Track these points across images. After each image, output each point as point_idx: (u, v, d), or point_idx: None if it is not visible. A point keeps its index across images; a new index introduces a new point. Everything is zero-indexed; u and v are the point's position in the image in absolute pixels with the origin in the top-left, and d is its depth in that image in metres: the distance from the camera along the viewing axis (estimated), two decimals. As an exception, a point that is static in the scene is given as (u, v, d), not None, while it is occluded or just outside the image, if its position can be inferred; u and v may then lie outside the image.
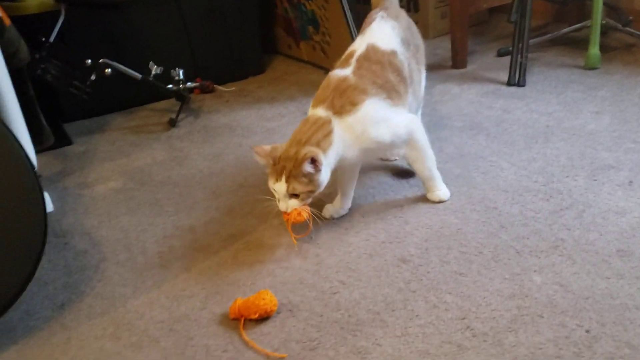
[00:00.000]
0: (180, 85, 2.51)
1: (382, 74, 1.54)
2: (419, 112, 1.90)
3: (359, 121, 1.47)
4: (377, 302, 1.29)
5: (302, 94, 2.63)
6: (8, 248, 1.23)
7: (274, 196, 1.46)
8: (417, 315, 1.23)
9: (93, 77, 2.28)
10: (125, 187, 1.93)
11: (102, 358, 1.22)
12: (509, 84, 2.42)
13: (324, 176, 1.43)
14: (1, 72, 1.57)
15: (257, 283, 1.40)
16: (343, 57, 1.63)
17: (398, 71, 1.59)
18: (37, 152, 1.82)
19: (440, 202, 1.64)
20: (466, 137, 2.00)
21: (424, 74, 1.83)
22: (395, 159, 1.89)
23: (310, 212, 1.45)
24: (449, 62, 2.75)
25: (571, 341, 1.11)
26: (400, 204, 1.65)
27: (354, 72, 1.53)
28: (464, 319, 1.20)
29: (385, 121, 1.51)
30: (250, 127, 2.34)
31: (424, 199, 1.66)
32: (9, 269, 1.24)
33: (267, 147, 1.46)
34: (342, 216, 1.63)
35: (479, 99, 2.32)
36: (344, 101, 1.48)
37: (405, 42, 1.67)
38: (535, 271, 1.32)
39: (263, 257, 1.49)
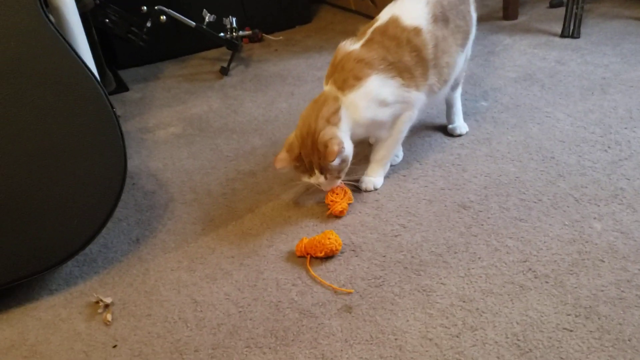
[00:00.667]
0: (233, 34, 2.53)
1: (397, 52, 1.46)
2: (457, 93, 1.76)
3: (362, 97, 1.43)
4: (439, 245, 1.33)
5: (352, 44, 2.63)
6: (92, 184, 1.30)
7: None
8: (479, 258, 1.28)
9: (149, 24, 2.32)
10: (185, 133, 1.99)
11: (180, 288, 1.30)
12: (563, 35, 2.38)
13: (349, 149, 1.44)
14: (73, 13, 1.62)
15: (319, 225, 1.46)
16: (364, 26, 1.56)
17: (417, 51, 1.48)
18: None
19: (366, 190, 1.56)
20: (520, 87, 2.00)
21: (462, 57, 1.65)
22: None
23: (350, 197, 1.51)
24: (500, 14, 2.72)
25: (634, 285, 1.15)
26: (458, 153, 1.67)
27: (364, 45, 1.47)
28: (525, 261, 1.25)
29: (386, 103, 1.46)
30: (300, 76, 2.36)
31: (480, 148, 1.68)
32: (93, 204, 1.31)
33: (285, 155, 1.43)
34: (399, 164, 1.67)
35: (532, 50, 2.30)
36: (347, 75, 1.43)
37: (439, 20, 1.52)
38: (595, 218, 1.35)
39: (323, 201, 1.54)
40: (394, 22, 1.49)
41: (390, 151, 1.58)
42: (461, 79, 1.75)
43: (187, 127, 2.04)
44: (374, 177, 1.58)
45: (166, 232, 1.50)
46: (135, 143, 1.96)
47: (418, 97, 1.52)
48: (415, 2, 1.53)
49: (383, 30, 1.48)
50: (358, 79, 1.43)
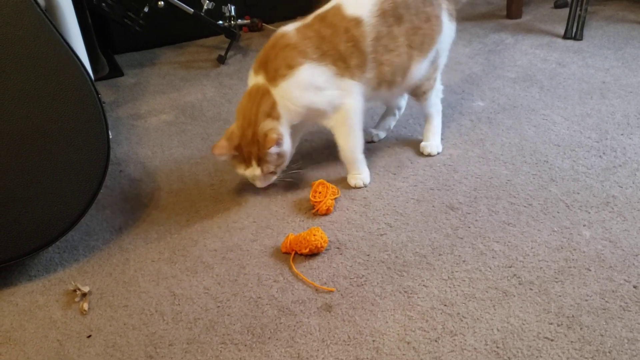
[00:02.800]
0: (231, 22, 2.50)
1: (332, 40, 1.41)
2: (431, 107, 1.65)
3: (295, 87, 1.40)
4: (424, 246, 1.31)
5: (351, 37, 2.60)
6: (73, 170, 1.28)
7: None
8: (464, 261, 1.26)
9: (146, 9, 2.29)
10: (177, 121, 1.97)
11: (159, 280, 1.28)
12: (566, 37, 2.35)
13: (287, 145, 1.45)
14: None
15: (306, 221, 1.44)
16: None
17: (355, 41, 1.42)
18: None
19: (356, 187, 1.54)
20: (519, 88, 1.97)
21: (423, 63, 1.54)
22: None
23: (334, 192, 1.49)
24: (503, 12, 2.68)
25: (618, 295, 1.13)
26: (450, 153, 1.65)
27: (299, 30, 1.43)
28: (510, 267, 1.22)
29: (321, 89, 1.43)
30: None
31: (473, 149, 1.66)
32: (74, 190, 1.29)
33: (224, 143, 1.42)
34: (390, 162, 1.64)
35: (534, 50, 2.27)
36: (280, 64, 1.40)
37: (389, 16, 1.45)
38: (584, 225, 1.32)
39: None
40: (336, 9, 1.45)
41: (352, 146, 1.52)
42: (429, 90, 1.62)
43: (180, 115, 2.02)
44: (357, 174, 1.54)
45: (150, 222, 1.48)
46: (125, 129, 1.93)
47: (354, 84, 1.47)
48: None
49: (323, 16, 1.45)
50: (290, 67, 1.40)
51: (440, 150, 1.66)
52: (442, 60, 1.64)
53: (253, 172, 1.44)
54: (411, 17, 1.48)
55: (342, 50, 1.42)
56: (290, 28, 1.45)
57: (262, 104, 1.41)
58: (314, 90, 1.43)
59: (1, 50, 1.19)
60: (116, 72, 2.37)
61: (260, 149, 1.40)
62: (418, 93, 1.61)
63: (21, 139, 1.22)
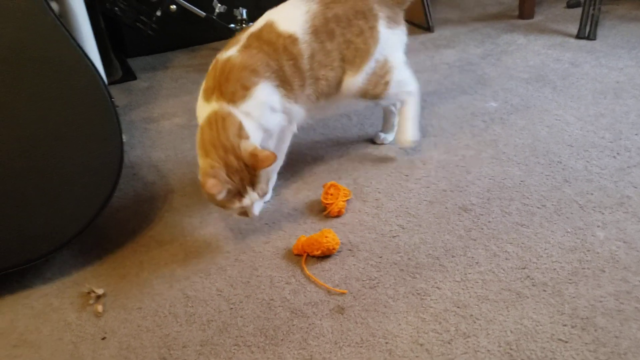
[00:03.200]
0: (243, 25, 2.51)
1: (276, 58, 1.37)
2: (394, 104, 1.67)
3: (255, 107, 1.35)
4: (436, 248, 1.31)
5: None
6: (87, 173, 1.29)
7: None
8: (477, 263, 1.25)
9: (158, 13, 2.31)
10: (190, 124, 1.98)
11: (173, 282, 1.29)
12: (579, 36, 2.33)
13: None
14: (78, 4, 1.61)
15: (317, 222, 1.44)
16: (240, 32, 1.45)
17: (294, 59, 1.39)
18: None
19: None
20: (532, 89, 1.96)
21: (356, 76, 1.50)
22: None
23: (346, 193, 1.49)
24: (515, 12, 2.67)
25: (633, 296, 1.11)
26: (462, 154, 1.64)
27: (241, 50, 1.36)
28: (524, 268, 1.22)
29: (275, 111, 1.40)
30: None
31: (486, 149, 1.65)
32: (88, 193, 1.30)
33: (214, 180, 1.24)
34: (402, 163, 1.64)
35: (546, 50, 2.25)
36: (235, 86, 1.33)
37: (321, 32, 1.43)
38: (598, 226, 1.31)
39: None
40: (269, 26, 1.40)
41: (276, 168, 1.54)
42: (381, 93, 1.57)
43: (192, 118, 2.02)
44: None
45: (163, 225, 1.48)
46: (139, 133, 1.95)
47: (298, 111, 1.46)
48: (293, 9, 1.44)
49: (258, 35, 1.39)
50: (246, 88, 1.34)
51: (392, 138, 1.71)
52: (395, 63, 1.57)
53: (251, 198, 1.31)
54: (343, 32, 1.46)
55: (286, 69, 1.39)
56: (229, 52, 1.37)
57: (229, 128, 1.30)
58: (270, 110, 1.39)
59: (15, 55, 1.20)
60: (129, 76, 2.38)
61: (251, 172, 1.30)
62: (368, 98, 1.58)
63: (35, 143, 1.23)
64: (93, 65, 1.27)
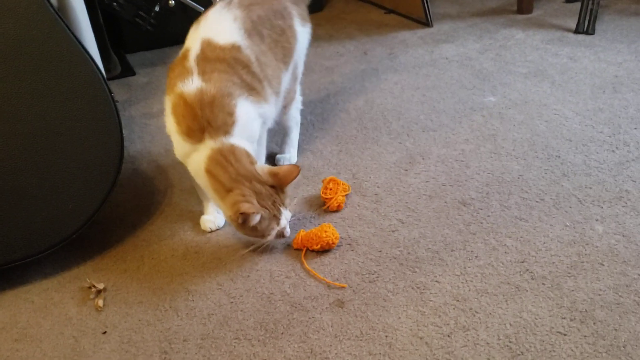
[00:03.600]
0: (241, 20, 2.51)
1: (233, 72, 1.35)
2: (290, 120, 1.67)
3: (243, 127, 1.33)
4: (436, 242, 1.31)
5: (361, 33, 2.60)
6: (88, 168, 1.30)
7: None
8: (476, 256, 1.25)
9: (157, 9, 2.31)
10: (189, 119, 1.98)
11: (173, 276, 1.29)
12: (577, 31, 2.34)
13: None
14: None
15: (317, 217, 1.44)
16: (177, 59, 1.40)
17: (247, 67, 1.38)
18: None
19: (209, 230, 1.43)
20: (530, 83, 1.96)
21: (287, 75, 1.55)
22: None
23: (345, 188, 1.49)
24: (514, 7, 2.67)
25: (632, 290, 1.12)
26: (462, 149, 1.64)
27: (205, 79, 1.31)
28: (523, 262, 1.22)
29: (255, 119, 1.39)
30: (308, 66, 2.32)
31: (485, 144, 1.65)
32: (88, 188, 1.30)
33: (249, 205, 1.23)
34: (401, 158, 1.64)
35: (545, 45, 2.25)
36: (223, 116, 1.30)
37: (254, 35, 1.43)
38: (597, 220, 1.32)
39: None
40: (208, 45, 1.36)
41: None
42: (291, 102, 1.63)
43: (191, 114, 2.03)
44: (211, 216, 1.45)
45: (163, 219, 1.49)
46: (138, 128, 1.95)
47: (271, 110, 1.47)
48: (220, 20, 1.41)
49: (203, 57, 1.34)
50: (231, 114, 1.31)
51: (294, 161, 1.68)
52: (300, 70, 1.64)
53: (285, 217, 1.31)
54: (270, 32, 1.47)
55: (246, 78, 1.37)
56: (193, 85, 1.30)
57: (241, 159, 1.28)
58: (252, 122, 1.38)
59: (15, 50, 1.20)
60: (128, 71, 2.38)
61: (279, 192, 1.29)
62: (284, 106, 1.60)
63: (35, 138, 1.24)
64: (93, 60, 1.27)
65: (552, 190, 1.43)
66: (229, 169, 1.27)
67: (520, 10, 2.63)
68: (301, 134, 1.79)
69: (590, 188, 1.42)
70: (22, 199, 1.25)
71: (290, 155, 1.68)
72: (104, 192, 1.32)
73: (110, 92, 1.30)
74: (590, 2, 2.31)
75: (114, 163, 1.32)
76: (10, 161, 1.23)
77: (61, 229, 1.30)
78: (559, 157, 1.56)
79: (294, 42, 1.55)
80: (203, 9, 2.38)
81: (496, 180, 1.49)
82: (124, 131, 1.32)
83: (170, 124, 1.33)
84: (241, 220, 1.23)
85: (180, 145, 1.33)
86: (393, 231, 1.37)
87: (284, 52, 1.51)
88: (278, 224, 1.29)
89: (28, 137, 1.23)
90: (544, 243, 1.27)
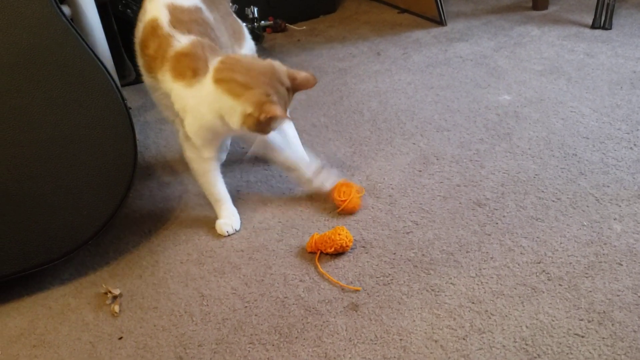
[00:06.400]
0: (255, 24, 2.52)
1: (205, 31, 1.36)
2: None
3: None
4: (451, 243, 1.30)
5: (374, 34, 2.59)
6: (102, 175, 1.31)
7: None
8: (491, 258, 1.24)
9: (171, 14, 2.32)
10: (203, 123, 1.99)
11: (188, 281, 1.30)
12: (594, 26, 2.30)
13: None
14: (89, 4, 1.62)
15: (330, 219, 1.44)
16: (144, 35, 1.39)
17: (212, 29, 1.39)
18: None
19: (226, 234, 1.43)
20: (546, 81, 1.94)
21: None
22: None
23: (358, 189, 1.48)
24: (529, 3, 2.64)
25: (651, 290, 1.10)
26: (477, 148, 1.63)
27: (190, 34, 1.32)
28: (539, 263, 1.21)
29: None
30: (321, 67, 2.34)
31: (500, 143, 1.63)
32: (103, 194, 1.32)
33: (281, 111, 1.24)
34: (415, 159, 1.63)
35: (561, 41, 2.22)
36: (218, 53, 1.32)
37: (208, 3, 1.44)
38: (615, 219, 1.29)
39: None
40: (174, 8, 1.36)
41: None
42: None
43: (206, 118, 2.04)
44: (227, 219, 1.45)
45: (178, 224, 1.50)
46: (153, 133, 1.96)
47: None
48: None
49: (177, 20, 1.34)
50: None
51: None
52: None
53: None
54: (217, 6, 1.50)
55: (214, 39, 1.37)
56: (178, 48, 1.31)
57: (254, 60, 1.32)
58: None
59: (29, 59, 1.22)
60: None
61: (290, 95, 1.33)
62: None
63: (50, 146, 1.25)
64: (105, 68, 1.28)
65: (568, 189, 1.41)
66: (240, 69, 1.26)
67: (536, 7, 2.60)
68: (315, 136, 1.80)
69: (608, 186, 1.40)
70: (39, 206, 1.27)
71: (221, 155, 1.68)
72: (119, 197, 1.33)
73: (124, 99, 1.31)
74: (607, -3, 2.28)
75: (128, 169, 1.33)
76: (26, 169, 1.24)
77: (77, 235, 1.31)
78: (576, 155, 1.54)
79: (241, 27, 1.61)
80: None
81: (512, 180, 1.48)
82: (138, 137, 1.34)
83: (176, 87, 1.31)
84: (264, 120, 1.22)
85: (189, 95, 1.30)
86: (407, 233, 1.36)
87: (234, 29, 1.55)
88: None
89: (43, 144, 1.25)
90: (561, 243, 1.25)
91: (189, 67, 1.29)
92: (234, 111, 1.25)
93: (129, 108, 1.33)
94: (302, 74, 1.30)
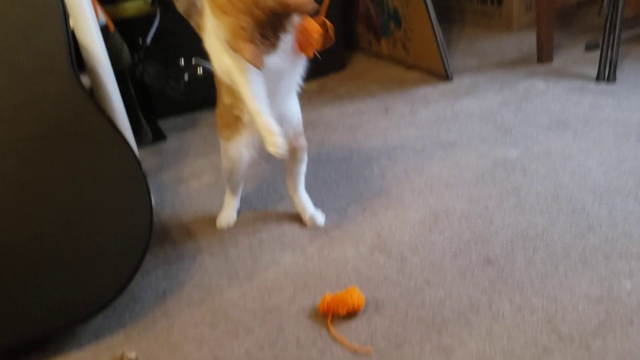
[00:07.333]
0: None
1: None
2: None
3: None
4: (462, 302, 1.31)
5: (382, 90, 2.66)
6: (120, 240, 1.35)
7: None
8: (502, 316, 1.25)
9: (186, 77, 2.41)
10: (218, 182, 2.04)
11: (202, 344, 1.32)
12: (598, 79, 2.35)
13: None
14: (108, 74, 1.70)
15: (342, 279, 1.46)
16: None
17: None
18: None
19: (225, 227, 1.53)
20: (553, 135, 1.97)
21: None
22: None
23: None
24: (534, 57, 2.70)
25: (663, 349, 1.10)
26: (485, 204, 1.65)
27: None
28: (549, 321, 1.21)
29: None
30: (331, 124, 2.39)
31: (509, 198, 1.66)
32: (120, 258, 1.35)
33: (253, 48, 1.18)
34: (425, 215, 1.66)
35: (566, 95, 2.27)
36: None
37: None
38: (625, 276, 1.30)
39: (347, 253, 1.55)
40: None
41: None
42: None
43: (220, 177, 2.09)
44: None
45: (192, 286, 1.52)
46: (169, 194, 2.01)
47: None
48: None
49: None
50: None
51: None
52: None
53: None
54: None
55: None
56: None
57: None
58: None
59: (51, 131, 1.28)
60: (160, 137, 2.47)
61: (285, 19, 1.24)
62: None
63: (70, 213, 1.30)
64: (124, 138, 1.34)
65: (577, 244, 1.43)
66: None
67: (541, 60, 2.66)
68: (325, 192, 1.83)
69: (617, 241, 1.41)
70: (58, 272, 1.30)
71: None
72: (136, 262, 1.37)
73: (141, 167, 1.36)
74: (609, 50, 2.33)
75: (144, 234, 1.37)
76: (47, 236, 1.29)
77: (96, 299, 1.34)
78: (584, 209, 1.55)
79: None
80: (229, 75, 2.48)
81: (521, 236, 1.49)
82: (154, 197, 1.38)
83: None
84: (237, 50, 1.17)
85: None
86: (419, 291, 1.37)
87: None
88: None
89: (63, 212, 1.29)
90: (571, 301, 1.26)
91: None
92: (221, 33, 1.23)
93: (145, 173, 1.38)
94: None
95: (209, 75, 2.48)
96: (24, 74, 1.24)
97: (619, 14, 2.34)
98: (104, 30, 1.83)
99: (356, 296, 1.32)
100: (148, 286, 1.55)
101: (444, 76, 2.62)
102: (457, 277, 1.39)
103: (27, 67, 1.23)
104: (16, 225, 1.27)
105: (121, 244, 1.35)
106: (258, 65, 1.18)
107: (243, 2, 1.16)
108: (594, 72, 2.38)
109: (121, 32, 2.08)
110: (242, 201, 1.86)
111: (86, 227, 1.32)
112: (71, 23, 1.58)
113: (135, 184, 1.36)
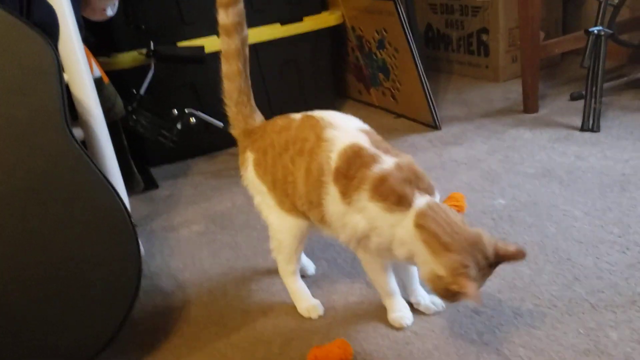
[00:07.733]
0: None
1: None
2: None
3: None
4: (449, 354, 1.31)
5: (373, 139, 2.70)
6: (107, 292, 1.35)
7: None
8: (489, 369, 1.25)
9: (179, 126, 2.44)
10: (208, 231, 2.05)
11: (189, 398, 1.31)
12: (583, 129, 2.40)
13: None
14: (101, 126, 1.73)
15: (331, 330, 1.46)
16: (342, 162, 1.32)
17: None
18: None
19: (406, 326, 1.43)
20: (539, 184, 2.01)
21: None
22: None
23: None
24: (520, 107, 2.76)
25: (649, 402, 1.10)
26: (472, 254, 1.67)
27: (392, 156, 1.32)
28: (537, 374, 1.21)
29: None
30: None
31: (495, 248, 1.67)
32: (108, 311, 1.35)
33: (475, 290, 1.16)
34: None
35: (552, 144, 2.31)
36: (425, 179, 1.30)
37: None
38: (611, 327, 1.31)
39: (336, 304, 1.55)
40: (367, 133, 1.43)
41: None
42: None
43: (210, 225, 2.10)
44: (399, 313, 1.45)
45: (180, 337, 1.52)
46: (158, 242, 2.02)
47: None
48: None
49: (374, 141, 1.38)
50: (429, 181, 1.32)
51: None
52: None
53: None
54: None
55: None
56: (383, 167, 1.28)
57: (457, 219, 1.25)
58: None
59: (42, 185, 1.28)
60: (151, 185, 2.49)
61: (492, 268, 1.27)
62: None
63: (59, 267, 1.30)
64: (115, 190, 1.35)
65: (564, 295, 1.44)
66: (446, 226, 1.20)
67: (527, 110, 2.72)
68: (316, 241, 1.84)
69: (603, 292, 1.43)
70: (45, 324, 1.30)
71: None
72: (123, 313, 1.36)
73: (131, 218, 1.37)
74: (593, 100, 2.39)
75: (132, 285, 1.37)
76: (36, 290, 1.29)
77: (83, 351, 1.34)
78: (570, 260, 1.57)
79: None
80: (222, 124, 2.52)
81: (508, 287, 1.50)
82: (144, 245, 1.38)
83: (372, 206, 1.25)
84: (453, 291, 1.18)
85: (386, 222, 1.25)
86: (407, 343, 1.37)
87: None
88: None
89: (52, 266, 1.30)
90: (558, 352, 1.26)
91: (394, 191, 1.24)
92: (425, 264, 1.22)
93: (135, 225, 1.39)
94: (510, 249, 1.22)
95: (201, 123, 2.53)
96: (19, 129, 1.26)
97: (600, 65, 2.41)
98: (98, 82, 1.86)
99: (344, 348, 1.32)
100: (136, 336, 1.54)
101: (433, 125, 2.67)
102: (445, 328, 1.40)
103: (23, 123, 1.25)
104: (3, 277, 1.27)
105: (109, 295, 1.35)
106: (479, 302, 1.24)
107: (470, 243, 1.19)
108: (578, 121, 2.44)
109: (115, 82, 2.12)
110: (230, 249, 1.87)
111: (74, 280, 1.32)
112: (66, 77, 1.62)
113: (125, 236, 1.36)
